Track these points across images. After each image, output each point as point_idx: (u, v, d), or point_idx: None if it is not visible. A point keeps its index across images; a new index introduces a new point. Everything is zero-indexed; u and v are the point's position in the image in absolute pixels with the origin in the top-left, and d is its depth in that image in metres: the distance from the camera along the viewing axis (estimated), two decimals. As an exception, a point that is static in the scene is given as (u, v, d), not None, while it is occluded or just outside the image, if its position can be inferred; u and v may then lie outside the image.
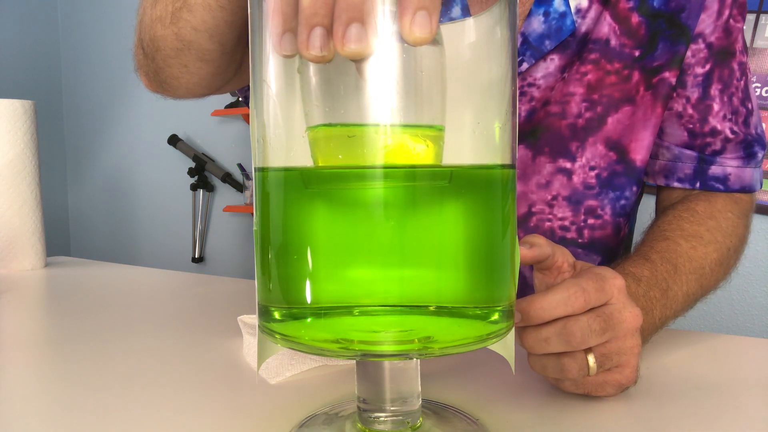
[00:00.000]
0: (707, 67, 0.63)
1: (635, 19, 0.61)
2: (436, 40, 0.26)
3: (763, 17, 1.67)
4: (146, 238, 3.14)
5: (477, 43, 0.29)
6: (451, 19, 0.30)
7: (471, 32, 0.30)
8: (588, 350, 0.38)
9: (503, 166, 0.30)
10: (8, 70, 3.05)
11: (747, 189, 0.66)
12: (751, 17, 1.67)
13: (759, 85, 1.67)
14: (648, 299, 0.50)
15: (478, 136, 0.30)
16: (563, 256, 0.41)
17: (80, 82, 3.30)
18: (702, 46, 0.63)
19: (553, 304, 0.37)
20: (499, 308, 0.30)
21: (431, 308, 0.29)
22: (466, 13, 0.57)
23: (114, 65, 3.13)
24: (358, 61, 0.26)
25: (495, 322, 0.30)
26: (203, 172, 2.81)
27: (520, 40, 0.60)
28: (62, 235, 3.37)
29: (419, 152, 0.28)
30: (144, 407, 0.40)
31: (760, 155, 0.66)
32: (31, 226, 0.93)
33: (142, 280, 0.88)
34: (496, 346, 0.33)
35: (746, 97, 0.65)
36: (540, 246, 0.40)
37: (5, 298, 0.74)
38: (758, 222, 1.67)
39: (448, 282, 0.29)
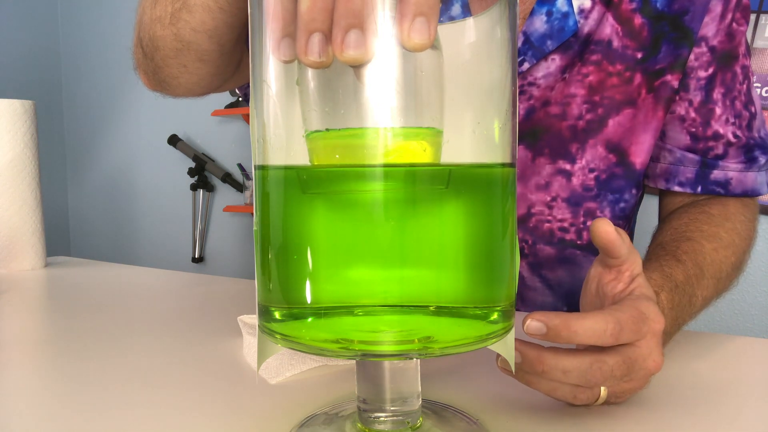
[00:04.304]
0: (710, 70, 0.63)
1: (638, 20, 0.61)
2: (434, 45, 0.26)
3: (763, 17, 1.67)
4: (146, 238, 3.14)
5: (477, 44, 0.29)
6: (451, 19, 0.30)
7: (471, 32, 0.30)
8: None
9: (503, 165, 0.30)
10: (8, 70, 3.05)
11: (749, 193, 0.65)
12: (751, 17, 1.67)
13: (759, 85, 1.67)
14: (680, 308, 0.50)
15: (478, 136, 0.30)
16: (631, 267, 0.40)
17: (80, 82, 3.30)
18: (705, 49, 0.62)
19: (589, 333, 0.35)
20: (498, 308, 0.30)
21: (431, 308, 0.29)
22: (465, 11, 0.57)
23: (114, 65, 3.13)
24: (356, 66, 0.26)
25: (495, 322, 0.30)
26: (203, 172, 2.81)
27: (521, 39, 0.60)
28: (62, 235, 3.37)
29: (417, 155, 0.28)
30: (144, 407, 0.40)
31: (762, 159, 0.65)
32: (31, 226, 0.93)
33: (142, 280, 0.88)
34: (496, 346, 0.33)
35: (749, 100, 0.65)
36: (620, 241, 0.39)
37: (5, 298, 0.74)
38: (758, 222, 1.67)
39: (448, 282, 0.29)
